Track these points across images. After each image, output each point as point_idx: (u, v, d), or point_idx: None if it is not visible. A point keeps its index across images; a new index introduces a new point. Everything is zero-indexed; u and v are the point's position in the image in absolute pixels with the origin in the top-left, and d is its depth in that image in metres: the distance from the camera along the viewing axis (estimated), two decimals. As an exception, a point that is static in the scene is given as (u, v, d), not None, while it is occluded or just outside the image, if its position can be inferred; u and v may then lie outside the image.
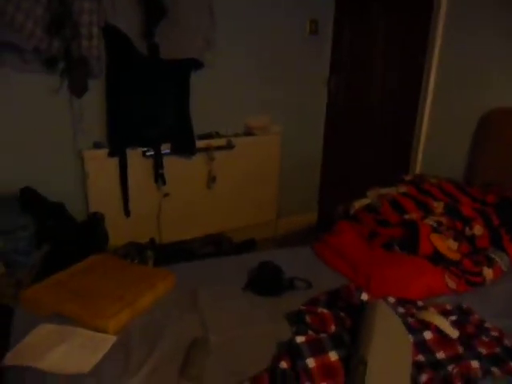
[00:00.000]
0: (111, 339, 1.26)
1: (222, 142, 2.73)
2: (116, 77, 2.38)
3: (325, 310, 1.33)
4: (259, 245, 2.97)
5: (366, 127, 2.96)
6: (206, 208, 2.79)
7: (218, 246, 2.74)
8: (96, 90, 2.37)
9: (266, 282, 1.55)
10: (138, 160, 2.51)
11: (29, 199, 2.24)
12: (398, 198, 1.89)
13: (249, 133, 2.88)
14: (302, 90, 3.06)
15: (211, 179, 2.73)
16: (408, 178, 2.16)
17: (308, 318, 1.31)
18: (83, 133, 2.41)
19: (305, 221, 3.31)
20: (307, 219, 3.33)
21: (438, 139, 2.45)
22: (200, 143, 2.65)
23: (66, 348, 1.21)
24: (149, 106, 2.46)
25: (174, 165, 2.60)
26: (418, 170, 2.56)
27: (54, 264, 2.11)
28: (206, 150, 2.66)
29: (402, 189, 1.98)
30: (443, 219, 1.76)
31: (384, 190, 2.00)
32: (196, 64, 2.53)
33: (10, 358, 1.20)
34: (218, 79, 2.68)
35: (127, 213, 2.56)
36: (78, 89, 2.32)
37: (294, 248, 1.91)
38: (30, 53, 2.15)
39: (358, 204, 1.96)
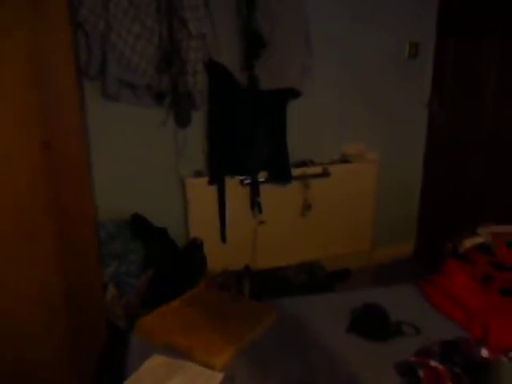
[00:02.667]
0: (219, 376, 1.29)
1: (317, 169, 2.72)
2: (217, 108, 2.48)
3: (439, 365, 1.24)
4: (353, 275, 2.89)
5: (473, 156, 2.76)
6: (300, 236, 2.78)
7: (311, 274, 2.72)
8: (198, 121, 2.50)
9: (372, 325, 1.49)
10: (235, 188, 2.58)
11: (138, 225, 2.40)
12: (517, 238, 1.73)
13: (344, 160, 2.84)
14: (400, 115, 2.96)
15: (306, 207, 2.72)
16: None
17: (421, 373, 1.23)
18: (186, 162, 2.54)
19: (401, 252, 3.16)
20: (403, 250, 3.18)
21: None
22: (296, 171, 2.66)
23: (178, 382, 1.26)
24: (247, 136, 2.53)
25: (270, 192, 2.63)
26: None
27: (158, 287, 2.25)
28: (302, 177, 2.66)
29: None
30: None
31: (499, 228, 1.84)
32: (293, 93, 2.55)
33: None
34: (312, 106, 2.68)
35: (224, 239, 2.64)
36: (183, 121, 2.46)
37: (397, 286, 1.82)
38: (142, 89, 2.33)
39: (469, 242, 1.82)
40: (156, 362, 1.35)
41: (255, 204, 2.61)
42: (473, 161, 2.75)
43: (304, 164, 2.74)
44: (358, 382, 1.27)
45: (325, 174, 2.71)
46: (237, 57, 2.41)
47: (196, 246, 2.49)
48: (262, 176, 2.61)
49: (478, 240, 1.80)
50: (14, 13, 1.43)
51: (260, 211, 2.63)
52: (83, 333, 1.76)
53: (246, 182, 2.58)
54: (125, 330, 1.59)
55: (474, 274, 1.70)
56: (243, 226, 2.65)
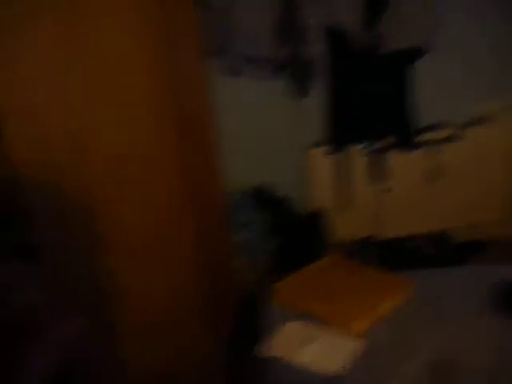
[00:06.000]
0: (359, 343, 1.29)
1: (447, 133, 2.52)
2: (337, 75, 2.41)
3: None
4: (488, 247, 2.67)
5: None
6: (428, 204, 2.63)
7: (441, 245, 2.58)
8: (319, 90, 2.45)
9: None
10: (358, 155, 2.52)
11: (262, 196, 2.48)
12: None
13: (478, 122, 2.58)
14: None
15: (436, 173, 2.56)
16: None
17: None
18: (307, 132, 2.53)
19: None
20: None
21: None
22: (425, 136, 2.50)
23: (317, 347, 1.29)
24: (369, 102, 2.43)
25: (395, 159, 2.52)
26: None
27: (285, 255, 2.32)
28: (431, 143, 2.50)
29: None
30: None
31: None
32: (418, 52, 2.37)
33: (267, 350, 1.34)
34: (444, 63, 2.46)
35: (348, 207, 2.60)
36: (303, 90, 2.44)
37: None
38: (262, 62, 2.35)
39: None
40: (292, 327, 1.40)
41: (379, 172, 2.53)
42: None
43: (435, 127, 2.55)
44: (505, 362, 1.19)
45: (455, 137, 2.51)
46: (358, 15, 2.30)
47: (317, 215, 2.50)
48: (386, 142, 2.50)
49: None
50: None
51: (384, 179, 2.53)
52: (219, 299, 1.88)
53: (370, 148, 2.49)
54: (258, 296, 1.67)
55: None
56: (367, 195, 2.58)
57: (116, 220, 1.49)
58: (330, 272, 1.60)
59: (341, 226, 2.57)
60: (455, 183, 2.60)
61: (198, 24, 1.99)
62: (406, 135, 2.49)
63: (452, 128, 2.54)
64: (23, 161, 1.41)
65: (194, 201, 1.62)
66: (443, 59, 2.45)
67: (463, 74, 2.53)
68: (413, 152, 2.51)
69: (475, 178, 2.62)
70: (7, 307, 1.16)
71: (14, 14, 1.30)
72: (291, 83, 2.44)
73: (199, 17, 2.20)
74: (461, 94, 2.55)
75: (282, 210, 2.49)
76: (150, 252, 1.55)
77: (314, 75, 2.39)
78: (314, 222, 2.49)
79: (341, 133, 2.50)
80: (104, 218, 1.48)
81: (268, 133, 2.54)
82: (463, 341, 1.28)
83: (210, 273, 1.72)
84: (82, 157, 1.43)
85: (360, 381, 1.18)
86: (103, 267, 1.53)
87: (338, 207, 2.59)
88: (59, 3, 1.30)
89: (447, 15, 2.35)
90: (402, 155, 2.52)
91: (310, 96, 2.46)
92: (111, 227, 1.49)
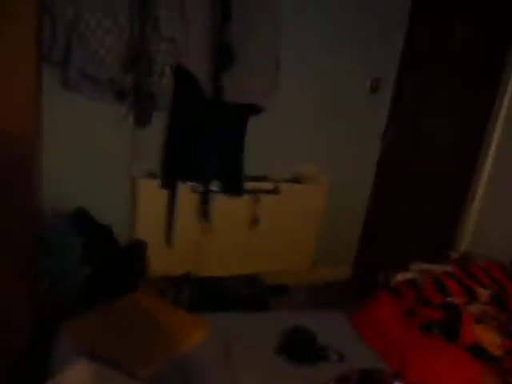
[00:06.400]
0: (143, 387, 1.29)
1: (269, 185, 2.77)
2: (179, 113, 2.48)
3: (356, 393, 1.32)
4: (291, 291, 2.96)
5: (416, 187, 2.93)
6: (245, 248, 2.82)
7: (251, 287, 2.77)
8: (158, 123, 2.48)
9: (299, 348, 1.55)
10: (186, 194, 2.59)
11: (80, 219, 2.34)
12: (443, 277, 1.85)
13: (297, 180, 2.91)
14: (356, 143, 3.08)
15: (254, 220, 2.77)
16: (454, 255, 2.11)
17: (338, 399, 1.30)
18: (140, 162, 2.51)
19: (340, 273, 3.28)
20: (343, 271, 3.30)
21: (494, 211, 2.37)
22: (248, 185, 2.70)
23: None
24: (204, 144, 2.54)
25: (220, 202, 2.66)
26: (465, 240, 2.48)
27: (94, 287, 2.21)
28: (253, 192, 2.71)
29: (448, 268, 1.94)
30: (488, 308, 1.71)
31: (428, 266, 1.96)
32: (256, 109, 2.60)
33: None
34: (273, 123, 2.72)
35: (169, 242, 2.63)
36: (143, 120, 2.43)
37: (329, 311, 1.90)
38: (104, 83, 2.29)
39: (401, 277, 1.93)
40: (81, 367, 1.34)
41: (204, 212, 2.63)
42: (415, 193, 2.91)
43: (257, 179, 2.79)
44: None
45: (276, 191, 2.78)
46: (205, 66, 2.42)
47: (139, 247, 2.47)
48: (214, 185, 2.63)
49: (408, 275, 1.91)
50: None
51: (208, 220, 2.64)
52: (7, 324, 1.70)
53: (198, 189, 2.59)
54: (53, 329, 1.55)
55: (401, 308, 1.80)
56: (190, 233, 2.66)
57: None
58: (131, 310, 1.59)
59: (162, 261, 2.57)
60: (270, 231, 2.85)
61: (37, 33, 1.86)
62: (234, 182, 2.66)
63: (273, 182, 2.80)
64: None
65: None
66: (277, 120, 2.73)
67: (291, 135, 2.86)
68: (237, 198, 2.68)
69: (288, 228, 2.92)
70: None
71: None
72: (132, 111, 2.41)
73: (41, 25, 2.08)
74: (285, 152, 2.87)
75: (101, 237, 2.39)
76: None
77: (155, 108, 2.41)
78: (133, 253, 2.44)
79: (174, 168, 2.54)
80: None
81: (99, 156, 2.45)
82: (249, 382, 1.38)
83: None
84: None
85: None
86: None
87: (161, 242, 2.60)
88: None
89: (285, 80, 2.64)
90: (227, 199, 2.66)
91: (149, 127, 2.46)
92: None
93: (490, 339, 1.61)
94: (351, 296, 2.76)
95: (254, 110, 2.60)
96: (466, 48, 2.61)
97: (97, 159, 2.45)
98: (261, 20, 2.50)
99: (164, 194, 2.55)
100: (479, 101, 2.49)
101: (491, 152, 2.36)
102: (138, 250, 2.46)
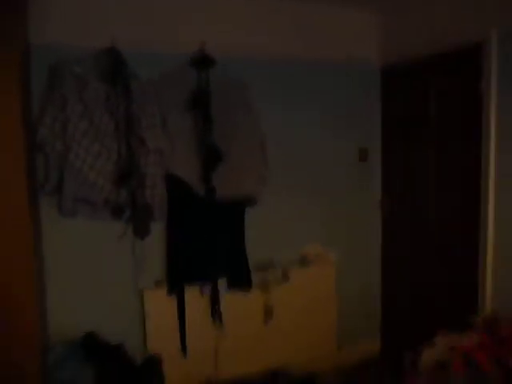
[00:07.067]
0: None
1: (277, 274, 2.73)
2: (176, 219, 2.51)
3: None
4: (320, 378, 2.80)
5: (425, 249, 2.86)
6: (263, 342, 2.71)
7: (275, 382, 2.63)
8: (157, 232, 2.50)
9: None
10: (195, 297, 2.54)
11: (91, 344, 2.28)
12: (472, 352, 1.75)
13: (304, 262, 2.87)
14: (356, 215, 3.07)
15: (268, 313, 2.69)
16: (479, 320, 2.01)
17: None
18: (144, 273, 2.50)
19: (367, 349, 3.12)
20: (370, 348, 3.14)
21: (507, 263, 2.29)
22: (256, 276, 2.66)
23: None
24: (206, 245, 2.54)
25: (230, 299, 2.60)
26: (487, 300, 2.38)
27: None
28: (263, 283, 2.66)
29: (474, 338, 1.84)
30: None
31: (455, 340, 1.86)
32: (250, 201, 2.63)
33: None
34: (271, 212, 2.75)
35: (184, 351, 2.54)
36: (142, 232, 2.45)
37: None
38: (99, 204, 2.34)
39: (428, 355, 1.83)
40: None
41: (215, 313, 2.56)
42: (426, 256, 2.84)
43: (265, 267, 2.75)
44: None
45: (284, 278, 2.73)
46: (195, 169, 2.50)
47: (154, 362, 2.38)
48: (222, 283, 2.59)
49: (435, 355, 1.81)
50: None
51: (220, 320, 2.57)
52: None
53: (206, 290, 2.55)
54: None
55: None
56: (204, 337, 2.57)
57: None
58: None
59: (177, 371, 2.47)
60: (286, 320, 2.76)
61: (29, 165, 1.96)
62: (241, 277, 2.62)
63: (281, 268, 2.75)
64: None
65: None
66: (275, 205, 2.76)
67: (291, 219, 2.86)
68: (247, 293, 2.62)
69: (305, 315, 2.83)
70: None
71: None
72: (131, 225, 2.44)
73: (33, 157, 2.18)
74: (288, 237, 2.86)
75: (114, 359, 2.31)
76: None
77: (153, 218, 2.44)
78: (148, 370, 2.35)
79: (178, 274, 2.52)
80: None
81: (103, 275, 2.45)
82: None
83: None
84: None
85: None
86: None
87: (175, 351, 2.51)
88: None
89: (278, 166, 2.71)
90: (237, 295, 2.61)
91: (150, 237, 2.48)
92: None
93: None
94: (383, 375, 2.64)
95: (249, 202, 2.64)
96: (441, 111, 2.68)
97: (101, 279, 2.44)
98: (242, 119, 2.61)
99: (172, 301, 2.51)
100: (465, 160, 2.52)
101: (490, 213, 2.34)
102: (153, 365, 2.37)
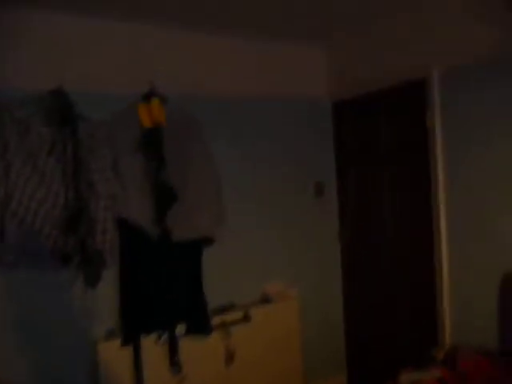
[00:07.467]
0: None
1: (238, 315, 2.65)
2: (128, 265, 2.40)
3: None
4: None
5: (382, 283, 2.88)
6: (226, 388, 2.60)
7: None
8: (109, 279, 2.38)
9: None
10: (152, 346, 2.41)
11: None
12: (434, 388, 1.73)
13: (265, 300, 2.81)
14: (315, 249, 3.07)
15: (230, 356, 2.59)
16: (439, 355, 2.01)
17: None
18: (97, 323, 2.37)
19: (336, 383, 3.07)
20: (338, 381, 3.09)
21: (463, 297, 2.33)
22: (216, 319, 2.57)
23: None
24: (162, 291, 2.43)
25: (190, 345, 2.48)
26: (447, 335, 2.38)
27: None
28: (223, 326, 2.57)
29: (436, 373, 1.83)
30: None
31: (417, 375, 1.85)
32: (207, 241, 2.56)
33: None
34: (230, 251, 2.69)
35: (144, 404, 2.39)
36: (92, 280, 2.32)
37: None
38: (44, 252, 2.21)
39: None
40: None
41: (174, 362, 2.44)
42: (386, 290, 2.85)
43: (224, 309, 2.67)
44: None
45: (246, 318, 2.65)
46: (148, 211, 2.41)
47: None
48: (180, 330, 2.47)
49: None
50: None
51: (180, 369, 2.45)
52: None
53: (162, 340, 2.42)
54: None
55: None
56: (164, 386, 2.44)
57: None
58: None
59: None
60: (249, 362, 2.66)
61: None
62: (200, 321, 2.52)
63: (242, 308, 2.68)
64: None
65: None
66: (233, 244, 2.70)
67: (249, 258, 2.81)
68: (207, 337, 2.52)
69: (269, 355, 2.74)
70: None
71: None
72: (79, 273, 2.31)
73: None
74: (248, 276, 2.80)
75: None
76: None
77: (104, 265, 2.32)
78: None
79: (133, 322, 2.39)
80: None
81: (53, 324, 2.29)
82: None
83: None
84: None
85: None
86: None
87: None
88: None
89: (234, 205, 2.66)
90: (196, 341, 2.50)
91: (102, 284, 2.35)
92: None
93: None
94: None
95: (206, 242, 2.57)
96: (391, 144, 2.75)
97: (53, 329, 2.28)
98: (195, 154, 2.56)
99: (128, 351, 2.37)
100: (416, 192, 2.59)
101: (443, 237, 2.39)
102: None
